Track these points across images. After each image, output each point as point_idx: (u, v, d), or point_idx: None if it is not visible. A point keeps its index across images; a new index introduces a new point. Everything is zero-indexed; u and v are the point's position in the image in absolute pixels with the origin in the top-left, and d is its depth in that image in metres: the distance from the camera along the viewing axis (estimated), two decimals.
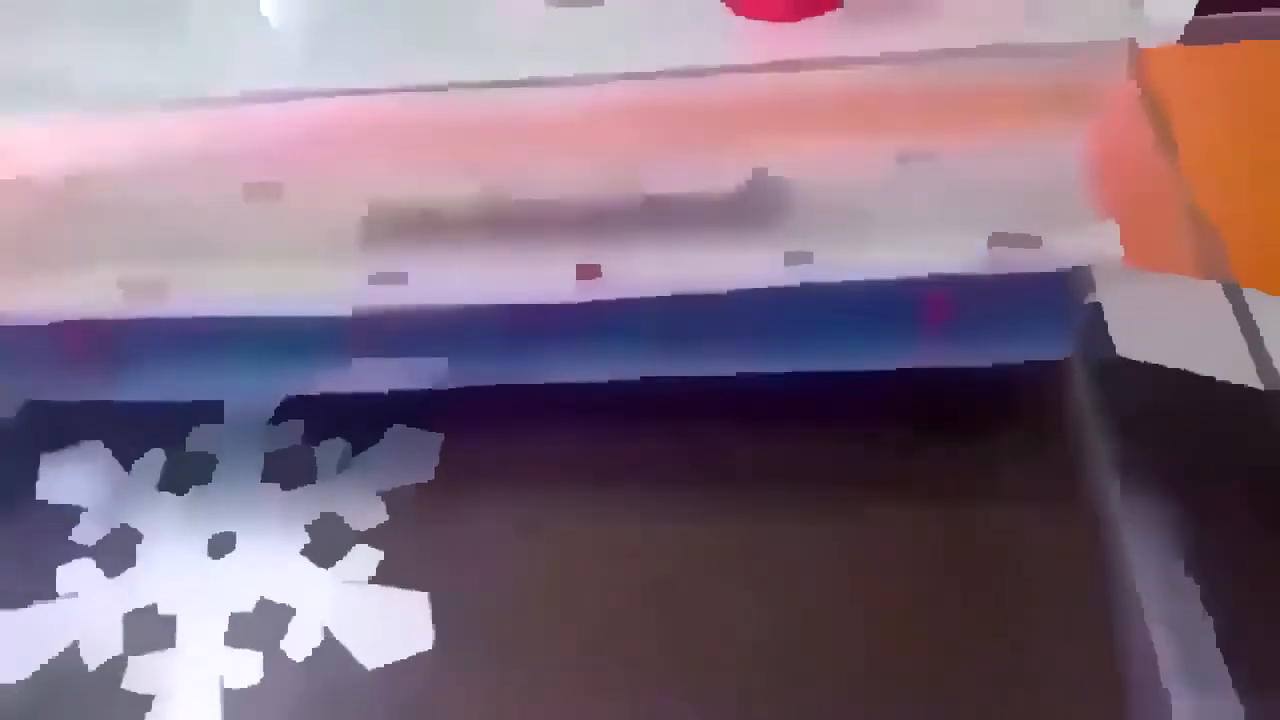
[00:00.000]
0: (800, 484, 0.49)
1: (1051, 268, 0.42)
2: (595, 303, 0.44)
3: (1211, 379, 0.42)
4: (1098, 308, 0.47)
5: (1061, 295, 0.45)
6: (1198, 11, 0.53)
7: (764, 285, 0.42)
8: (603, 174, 0.44)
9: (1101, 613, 0.44)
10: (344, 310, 0.45)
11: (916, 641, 0.45)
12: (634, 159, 0.44)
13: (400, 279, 0.45)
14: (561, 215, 0.44)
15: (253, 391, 0.54)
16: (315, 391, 0.53)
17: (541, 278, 0.44)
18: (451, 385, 0.49)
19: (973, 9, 0.46)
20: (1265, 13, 0.49)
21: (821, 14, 0.47)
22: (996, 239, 0.41)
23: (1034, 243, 0.41)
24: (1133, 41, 0.45)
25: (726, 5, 0.48)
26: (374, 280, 0.45)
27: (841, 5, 0.47)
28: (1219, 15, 0.53)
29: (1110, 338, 0.46)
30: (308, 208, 0.46)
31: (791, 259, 0.42)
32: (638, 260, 0.43)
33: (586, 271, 0.43)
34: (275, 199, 0.47)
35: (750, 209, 0.43)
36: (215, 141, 0.47)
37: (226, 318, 0.48)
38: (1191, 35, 0.53)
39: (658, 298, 0.45)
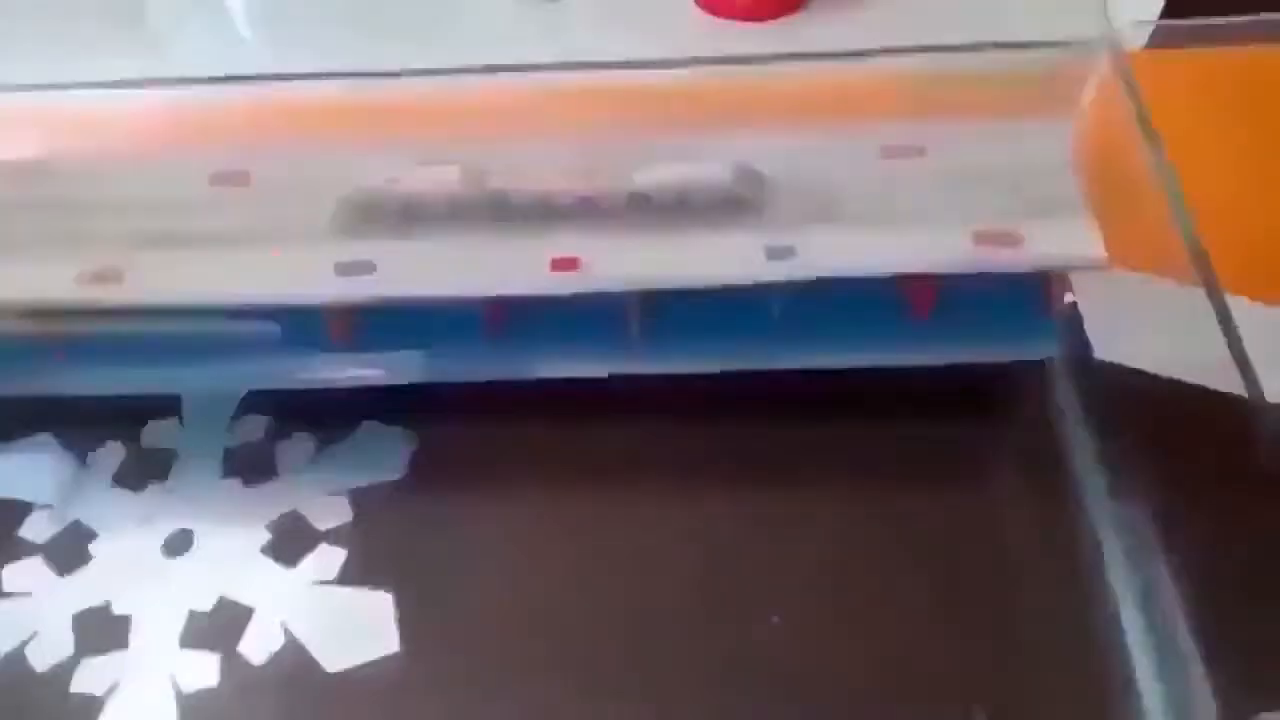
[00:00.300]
0: (778, 483, 0.48)
1: (1033, 267, 0.42)
2: (572, 296, 0.43)
3: (1193, 384, 0.41)
4: (1076, 309, 0.46)
5: (1043, 295, 0.45)
6: (1170, 15, 0.53)
7: (746, 280, 0.41)
8: (581, 164, 0.43)
9: (1080, 611, 0.43)
10: (312, 301, 0.43)
11: (889, 636, 0.44)
12: (613, 149, 0.43)
13: (369, 268, 0.43)
14: (538, 206, 0.43)
15: (213, 385, 0.53)
16: (279, 386, 0.51)
17: (517, 269, 0.43)
18: (422, 380, 0.48)
19: (934, 6, 0.45)
20: (1251, 17, 0.49)
21: (794, 11, 0.47)
22: (980, 236, 0.41)
23: (1016, 241, 0.41)
24: (1115, 41, 0.45)
25: (697, 4, 0.47)
26: (342, 270, 0.43)
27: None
28: (1200, 21, 0.53)
29: (1088, 339, 0.46)
30: (275, 195, 0.45)
31: (773, 253, 0.41)
32: (617, 253, 0.42)
33: (563, 264, 0.42)
34: (241, 185, 0.45)
35: (732, 202, 0.43)
36: (178, 126, 0.46)
37: (186, 308, 0.47)
38: (1171, 38, 0.53)
39: (637, 291, 0.44)
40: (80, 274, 0.44)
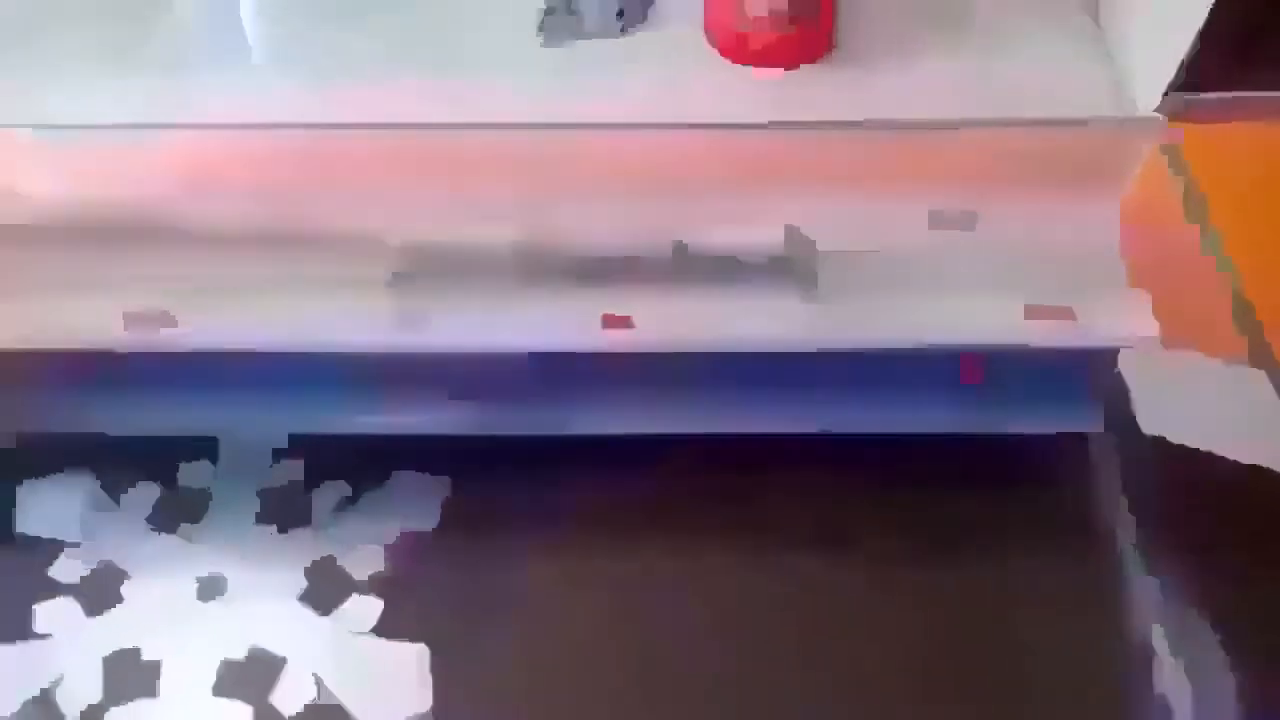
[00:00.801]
0: (817, 544, 0.48)
1: (1086, 343, 0.42)
2: (620, 355, 0.43)
3: (1239, 461, 0.41)
4: (1122, 382, 0.46)
5: (1090, 368, 0.45)
6: (1193, 89, 0.54)
7: (796, 346, 0.41)
8: (633, 221, 0.43)
9: (1114, 677, 0.43)
10: (364, 349, 0.43)
11: (928, 693, 0.44)
12: (664, 207, 0.43)
13: (423, 320, 0.43)
14: (592, 263, 0.43)
15: (250, 429, 0.52)
16: (317, 431, 0.51)
17: (569, 326, 0.43)
18: (465, 432, 0.48)
19: (947, 77, 0.45)
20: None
21: (814, 61, 0.47)
22: (1033, 311, 0.41)
23: (1068, 315, 0.41)
24: (1162, 119, 0.45)
25: (720, 52, 0.46)
26: (396, 321, 0.43)
27: (831, 48, 0.46)
28: (1238, 94, 0.53)
29: (1135, 414, 0.46)
30: (328, 243, 0.45)
31: (824, 321, 0.41)
32: (668, 312, 0.43)
33: (616, 322, 0.42)
34: (295, 231, 0.45)
35: (782, 264, 0.43)
36: (230, 170, 0.46)
37: (227, 352, 0.46)
38: (1203, 113, 0.54)
39: (684, 352, 0.44)
40: (129, 316, 0.44)
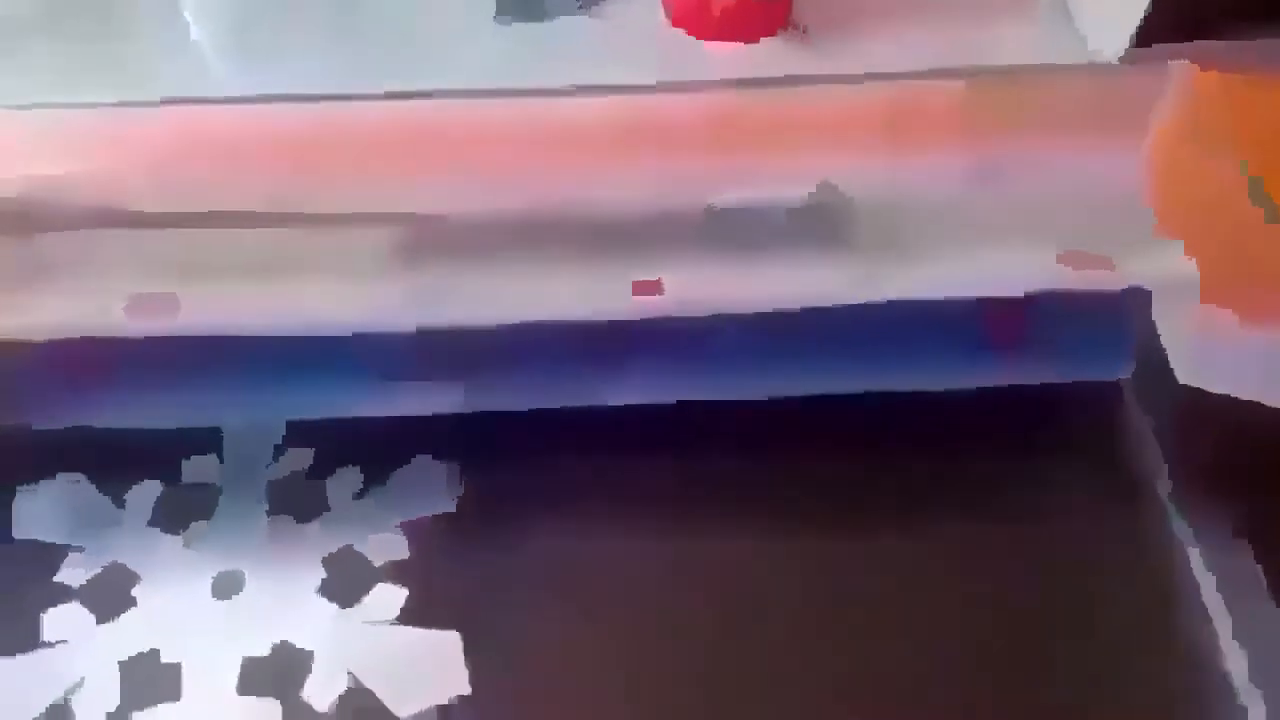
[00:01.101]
0: (855, 503, 0.47)
1: (1122, 287, 0.41)
2: (647, 321, 0.41)
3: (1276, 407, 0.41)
4: (1155, 331, 0.46)
5: (1123, 316, 0.44)
6: (1141, 43, 0.53)
7: (832, 303, 0.40)
8: (659, 184, 0.42)
9: (1166, 625, 0.43)
10: (383, 328, 0.42)
11: (979, 655, 0.44)
12: (691, 168, 0.42)
13: (442, 295, 0.42)
14: (617, 229, 0.42)
15: (256, 417, 0.50)
16: (323, 416, 0.49)
17: (598, 294, 0.41)
18: (487, 409, 0.46)
19: (916, 33, 0.44)
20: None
21: (774, 34, 0.45)
22: (1067, 259, 0.40)
23: (1104, 263, 0.40)
24: (1186, 63, 0.45)
25: (676, 25, 0.44)
26: (413, 298, 0.41)
27: (788, 26, 0.45)
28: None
29: (1168, 360, 0.45)
30: (337, 221, 0.43)
31: (859, 276, 0.40)
32: (699, 276, 0.41)
33: (646, 288, 0.41)
34: (300, 210, 0.43)
35: (816, 224, 0.42)
36: (229, 147, 0.44)
37: (224, 337, 0.44)
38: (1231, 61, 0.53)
39: (715, 315, 0.43)
40: (130, 302, 0.42)
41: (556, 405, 0.47)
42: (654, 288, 0.41)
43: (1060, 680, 0.43)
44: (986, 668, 0.43)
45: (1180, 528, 0.45)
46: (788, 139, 0.43)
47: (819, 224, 0.42)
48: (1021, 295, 0.42)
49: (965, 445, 0.47)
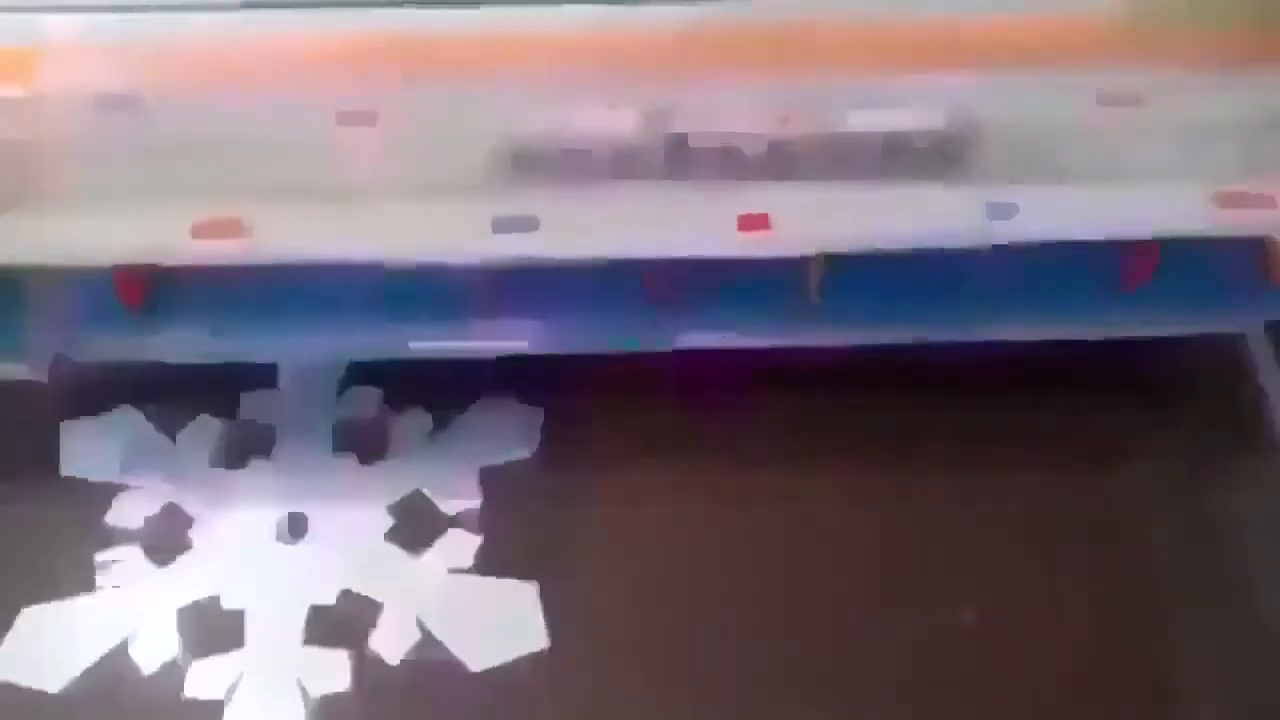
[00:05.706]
0: (959, 463, 0.44)
1: None
2: (756, 259, 0.38)
3: None
4: None
5: (1260, 262, 0.41)
6: None
7: (962, 243, 0.37)
8: (772, 107, 0.38)
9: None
10: (466, 260, 0.39)
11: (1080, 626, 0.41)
12: (808, 91, 0.38)
13: (532, 224, 0.38)
14: (723, 155, 0.39)
15: (320, 354, 0.48)
16: (394, 356, 0.46)
17: (700, 228, 0.38)
18: (566, 351, 0.43)
19: None
20: None
21: None
22: (1222, 198, 0.37)
23: (1264, 202, 0.37)
24: None
25: None
26: (500, 227, 0.38)
27: None
28: None
29: None
30: (417, 139, 0.40)
31: (993, 212, 0.37)
32: (812, 210, 0.38)
33: (752, 222, 0.38)
34: (372, 126, 0.40)
35: (942, 153, 0.38)
36: (304, 57, 0.40)
37: (287, 267, 0.41)
38: None
39: (824, 253, 0.39)
40: (196, 226, 0.39)
41: (634, 351, 0.44)
42: (761, 222, 0.38)
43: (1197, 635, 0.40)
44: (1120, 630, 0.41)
45: None
46: (912, 59, 0.39)
47: (942, 155, 0.39)
48: (1174, 237, 0.39)
49: (1075, 398, 0.45)
